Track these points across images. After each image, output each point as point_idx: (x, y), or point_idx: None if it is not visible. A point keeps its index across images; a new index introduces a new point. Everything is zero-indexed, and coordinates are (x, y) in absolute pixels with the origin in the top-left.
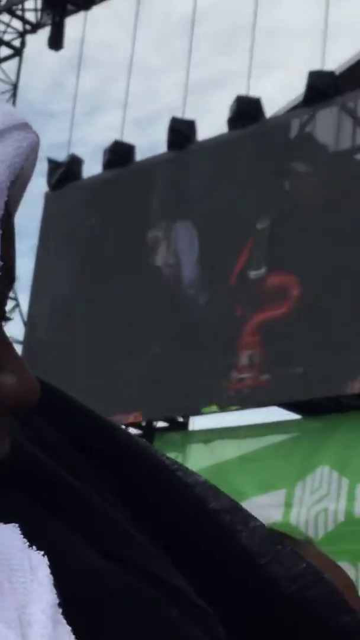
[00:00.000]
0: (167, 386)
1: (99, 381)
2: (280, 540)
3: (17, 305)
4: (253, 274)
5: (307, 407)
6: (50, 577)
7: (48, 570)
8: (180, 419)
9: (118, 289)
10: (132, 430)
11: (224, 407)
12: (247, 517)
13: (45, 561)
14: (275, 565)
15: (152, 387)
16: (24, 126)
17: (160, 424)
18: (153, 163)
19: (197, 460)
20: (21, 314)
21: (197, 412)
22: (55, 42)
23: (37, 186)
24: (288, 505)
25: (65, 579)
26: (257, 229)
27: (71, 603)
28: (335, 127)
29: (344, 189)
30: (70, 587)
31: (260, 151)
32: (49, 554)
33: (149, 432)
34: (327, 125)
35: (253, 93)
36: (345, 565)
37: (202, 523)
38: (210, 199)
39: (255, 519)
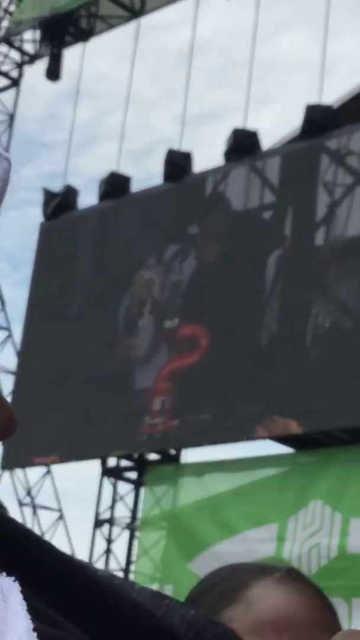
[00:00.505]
0: (85, 429)
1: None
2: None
3: (10, 335)
4: (168, 323)
5: (301, 441)
6: (24, 602)
7: (20, 596)
8: (173, 452)
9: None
10: (124, 463)
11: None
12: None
13: (17, 587)
14: (170, 616)
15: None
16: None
17: (153, 456)
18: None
19: (189, 493)
20: (14, 344)
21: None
22: (53, 73)
23: (32, 217)
24: (280, 539)
25: None
26: (172, 280)
27: None
28: (245, 186)
29: (250, 246)
30: None
31: (180, 205)
32: None
33: (141, 465)
34: (238, 184)
35: (250, 126)
36: (338, 601)
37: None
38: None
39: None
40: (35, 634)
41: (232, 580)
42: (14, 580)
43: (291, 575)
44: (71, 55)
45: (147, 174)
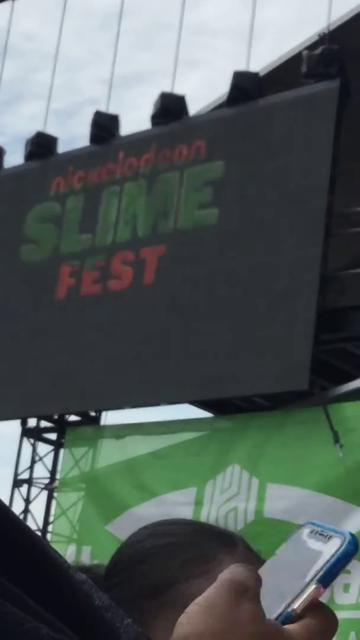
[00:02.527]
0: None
1: None
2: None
3: None
4: None
5: (220, 406)
6: None
7: None
8: (93, 413)
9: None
10: (44, 423)
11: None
12: (122, 615)
13: None
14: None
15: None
16: None
17: (72, 417)
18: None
19: (108, 455)
20: None
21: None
22: None
23: None
24: (198, 503)
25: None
26: None
27: None
28: None
29: None
30: None
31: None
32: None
33: (60, 425)
34: None
35: (176, 90)
36: None
37: (93, 619)
38: None
39: (127, 617)
40: None
41: (198, 548)
42: None
43: (249, 548)
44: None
45: (71, 135)
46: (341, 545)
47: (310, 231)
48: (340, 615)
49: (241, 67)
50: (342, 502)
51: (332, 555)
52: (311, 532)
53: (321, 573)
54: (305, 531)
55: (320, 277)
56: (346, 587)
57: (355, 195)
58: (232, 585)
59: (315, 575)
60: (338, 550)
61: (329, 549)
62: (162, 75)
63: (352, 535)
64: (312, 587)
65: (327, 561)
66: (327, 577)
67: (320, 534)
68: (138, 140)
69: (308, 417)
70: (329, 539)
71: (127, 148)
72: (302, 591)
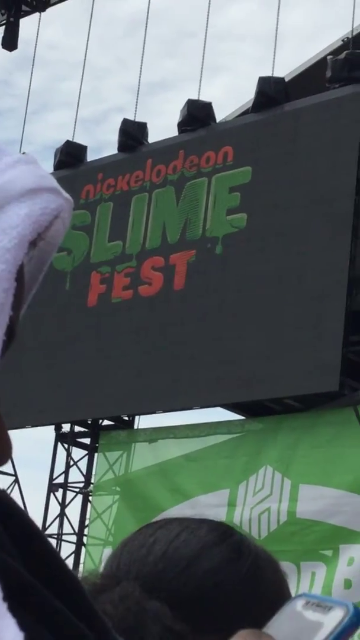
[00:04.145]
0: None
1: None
2: None
3: None
4: None
5: (251, 408)
6: None
7: None
8: (126, 418)
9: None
10: (78, 428)
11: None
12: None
13: None
14: None
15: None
16: (54, 190)
17: (106, 422)
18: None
19: (142, 458)
20: None
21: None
22: (10, 42)
23: None
24: (231, 505)
25: None
26: None
27: None
28: None
29: None
30: None
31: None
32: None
33: (94, 430)
34: None
35: (202, 96)
36: (287, 565)
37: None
38: None
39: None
40: (5, 604)
41: (276, 570)
42: None
43: None
44: (25, 24)
45: (98, 143)
46: (345, 616)
47: (338, 234)
48: None
49: (265, 72)
50: None
51: (336, 627)
52: (306, 603)
53: None
54: (300, 603)
55: (348, 279)
56: None
57: None
58: None
59: None
60: (342, 620)
61: (331, 621)
62: (188, 82)
63: (355, 606)
64: None
65: (331, 633)
66: None
67: (318, 606)
68: (166, 148)
69: (338, 418)
70: (329, 610)
71: (155, 155)
72: None
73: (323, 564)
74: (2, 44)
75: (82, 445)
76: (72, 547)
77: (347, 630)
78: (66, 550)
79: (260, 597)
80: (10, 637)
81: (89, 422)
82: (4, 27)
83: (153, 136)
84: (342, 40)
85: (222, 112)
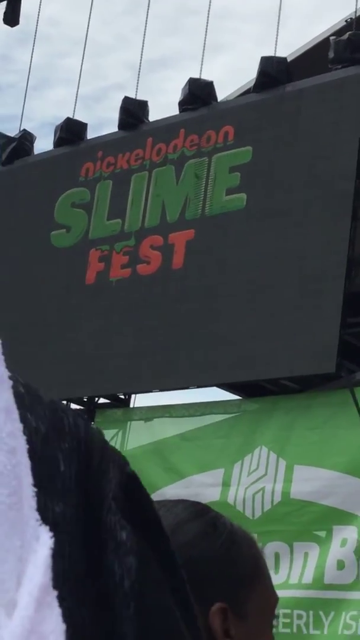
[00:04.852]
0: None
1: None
2: None
3: None
4: None
5: (247, 388)
6: (49, 560)
7: (48, 552)
8: (122, 396)
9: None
10: (73, 406)
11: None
12: None
13: (49, 544)
14: None
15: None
16: None
17: (102, 400)
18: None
19: (137, 437)
20: None
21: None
22: (11, 18)
23: None
24: (226, 484)
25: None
26: None
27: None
28: None
29: None
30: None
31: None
32: None
33: (90, 407)
34: None
35: (203, 75)
36: (280, 545)
37: None
38: None
39: None
40: (54, 593)
41: (251, 546)
42: (51, 537)
43: None
44: None
45: (99, 120)
46: None
47: (337, 215)
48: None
49: (268, 51)
50: None
51: None
52: None
53: None
54: None
55: (347, 260)
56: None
57: None
58: None
59: None
60: None
61: None
62: (189, 60)
63: None
64: None
65: None
66: None
67: None
68: (166, 126)
69: (334, 400)
70: None
71: (156, 134)
72: None
73: (316, 545)
74: (4, 20)
75: None
76: None
77: None
78: None
79: (235, 572)
80: (49, 630)
81: (85, 399)
82: (5, 1)
83: (154, 114)
84: (346, 21)
85: (224, 92)
